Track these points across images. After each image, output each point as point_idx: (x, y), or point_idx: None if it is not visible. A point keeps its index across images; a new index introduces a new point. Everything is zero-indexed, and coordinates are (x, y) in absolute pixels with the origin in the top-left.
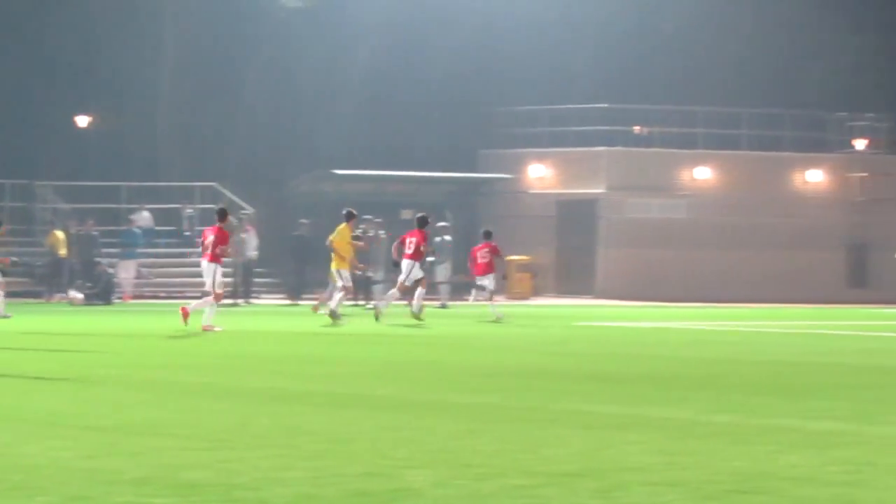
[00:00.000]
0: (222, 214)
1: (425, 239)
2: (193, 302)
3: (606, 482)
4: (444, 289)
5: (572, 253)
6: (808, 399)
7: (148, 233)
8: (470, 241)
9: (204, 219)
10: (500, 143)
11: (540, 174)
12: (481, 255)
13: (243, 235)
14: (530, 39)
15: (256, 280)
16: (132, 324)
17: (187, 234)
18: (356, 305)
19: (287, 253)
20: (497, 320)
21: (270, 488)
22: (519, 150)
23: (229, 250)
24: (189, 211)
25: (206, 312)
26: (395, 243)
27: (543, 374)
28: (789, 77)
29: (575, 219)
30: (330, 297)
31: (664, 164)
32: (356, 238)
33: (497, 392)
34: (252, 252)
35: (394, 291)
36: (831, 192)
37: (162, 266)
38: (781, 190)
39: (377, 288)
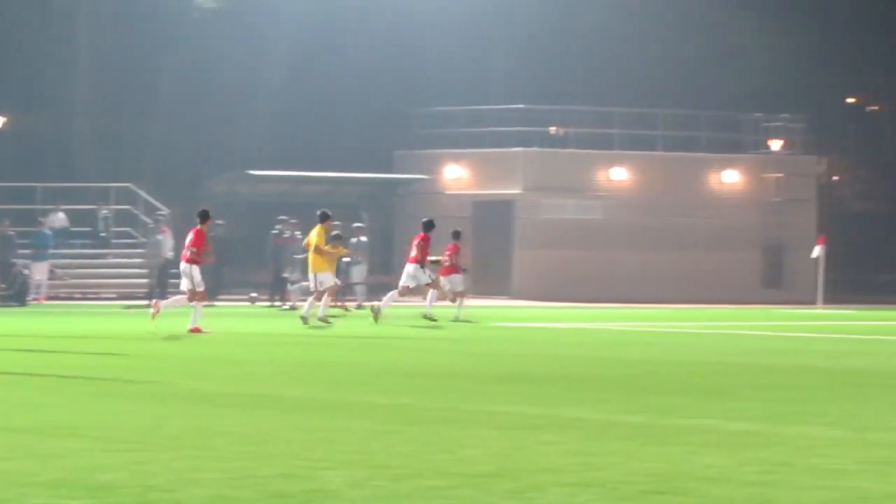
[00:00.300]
0: (204, 216)
1: (428, 243)
2: (163, 302)
3: (522, 483)
4: (360, 290)
5: (488, 254)
6: (724, 400)
7: (63, 233)
8: (387, 241)
9: (119, 220)
10: (417, 144)
11: (456, 175)
12: (446, 256)
13: (159, 237)
14: (446, 40)
15: (172, 281)
16: (46, 325)
17: (103, 234)
18: (272, 306)
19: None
20: (426, 314)
21: (186, 489)
22: (435, 151)
23: (207, 252)
24: (105, 212)
25: (192, 314)
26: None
27: (460, 375)
28: (705, 78)
29: (491, 220)
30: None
31: (580, 164)
32: (335, 238)
33: (414, 393)
34: (168, 253)
35: (432, 294)
36: (747, 192)
37: (77, 267)
38: (697, 190)
39: (293, 289)
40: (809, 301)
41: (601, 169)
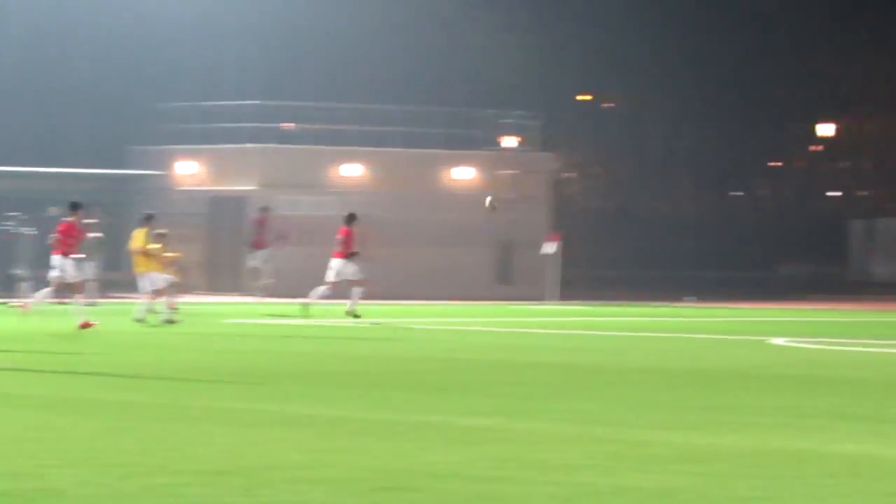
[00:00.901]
0: (74, 207)
1: (352, 236)
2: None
3: (252, 479)
4: (91, 286)
5: (223, 250)
6: (455, 396)
7: None
8: (118, 238)
9: None
10: (151, 140)
11: (191, 171)
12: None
13: None
14: (181, 34)
15: None
16: None
17: None
18: (2, 304)
19: None
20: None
21: None
22: (170, 147)
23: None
24: None
25: (75, 311)
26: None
27: (191, 372)
28: (439, 74)
29: (226, 216)
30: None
31: (315, 161)
32: (160, 236)
33: (144, 390)
34: None
35: (324, 289)
36: (481, 189)
37: None
38: (431, 187)
39: (24, 286)
40: (542, 297)
41: (336, 165)
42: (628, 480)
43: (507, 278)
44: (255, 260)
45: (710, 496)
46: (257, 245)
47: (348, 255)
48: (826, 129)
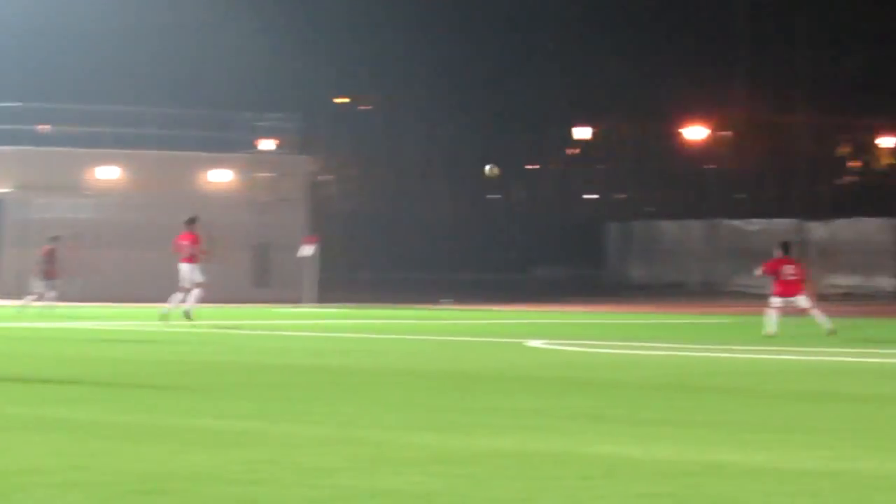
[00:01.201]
0: None
1: (196, 240)
2: None
3: (4, 484)
4: None
5: None
6: (212, 398)
7: None
8: None
9: None
10: None
11: None
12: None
13: None
14: None
15: None
16: None
17: None
18: None
19: None
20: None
21: None
22: None
23: None
24: None
25: None
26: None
27: None
28: (195, 76)
29: None
30: None
31: (71, 163)
32: None
33: None
34: None
35: (197, 293)
36: (238, 191)
37: None
38: (188, 189)
39: None
40: (299, 300)
41: (92, 167)
42: (387, 483)
43: (265, 281)
44: (44, 288)
45: (468, 498)
46: (48, 275)
47: (195, 259)
48: (583, 133)
